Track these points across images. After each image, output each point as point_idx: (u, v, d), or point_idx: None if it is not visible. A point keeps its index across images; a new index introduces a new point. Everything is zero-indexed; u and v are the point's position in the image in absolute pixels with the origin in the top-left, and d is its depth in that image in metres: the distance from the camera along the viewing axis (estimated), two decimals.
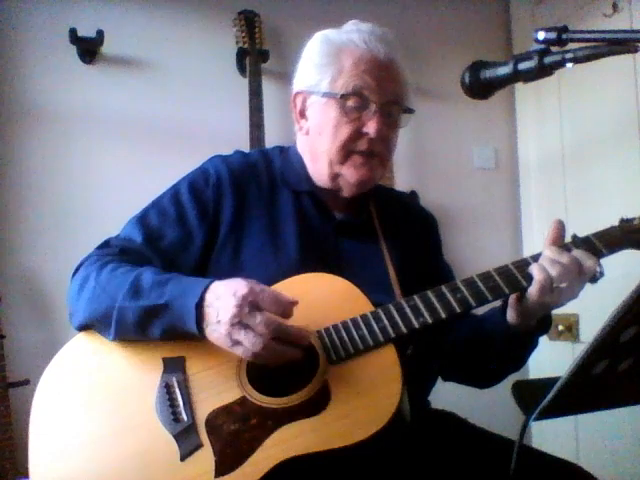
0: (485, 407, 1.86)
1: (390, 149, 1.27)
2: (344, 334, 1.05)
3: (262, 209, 1.25)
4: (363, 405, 0.99)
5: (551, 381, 0.87)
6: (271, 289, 1.02)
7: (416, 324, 1.06)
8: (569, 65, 0.86)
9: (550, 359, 2.35)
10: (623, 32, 0.84)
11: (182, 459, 0.98)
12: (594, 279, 1.08)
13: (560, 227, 1.13)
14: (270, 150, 1.38)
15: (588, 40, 0.86)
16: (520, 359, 1.21)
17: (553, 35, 0.87)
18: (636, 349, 0.87)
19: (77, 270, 1.18)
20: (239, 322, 0.97)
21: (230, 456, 0.97)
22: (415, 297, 1.09)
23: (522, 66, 0.91)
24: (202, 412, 1.02)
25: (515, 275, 1.09)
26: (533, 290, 1.06)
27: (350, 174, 1.23)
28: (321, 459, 0.97)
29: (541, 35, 0.88)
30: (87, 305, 1.10)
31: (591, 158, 2.44)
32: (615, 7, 2.27)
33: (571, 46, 0.87)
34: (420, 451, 1.12)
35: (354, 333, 1.05)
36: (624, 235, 1.14)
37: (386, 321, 1.06)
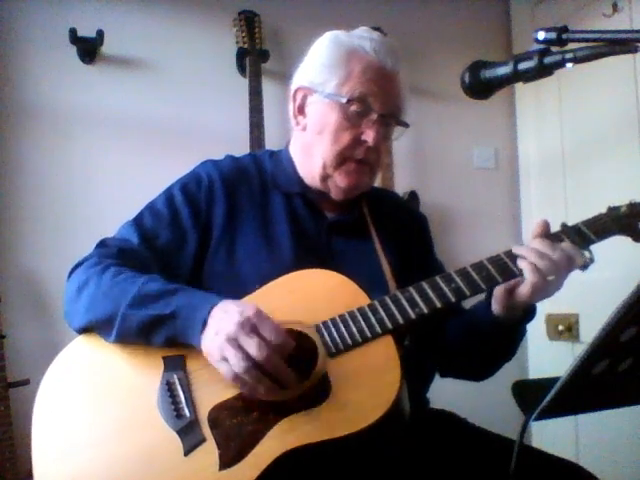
0: (485, 407, 1.86)
1: (381, 159, 1.31)
2: (342, 327, 1.06)
3: (254, 211, 1.27)
4: (364, 394, 1.00)
5: (551, 381, 0.87)
6: (276, 322, 1.00)
7: (412, 314, 1.07)
8: (569, 65, 0.86)
9: (550, 359, 2.35)
10: (623, 32, 0.84)
11: (186, 454, 0.99)
12: (585, 266, 1.10)
13: (545, 226, 1.14)
14: (260, 154, 1.40)
15: (588, 40, 0.86)
16: (509, 349, 1.23)
17: (553, 35, 0.87)
18: (636, 349, 0.87)
19: (74, 270, 1.18)
20: (235, 339, 0.96)
21: (233, 449, 0.98)
22: (410, 288, 1.11)
23: (522, 66, 0.91)
24: (204, 408, 1.02)
25: (507, 264, 1.11)
26: (525, 290, 1.08)
27: (341, 179, 1.25)
28: (322, 455, 0.97)
29: (541, 35, 0.88)
30: (88, 309, 1.11)
31: (591, 158, 2.44)
32: (615, 7, 2.27)
33: (571, 46, 0.87)
34: (420, 451, 1.12)
35: (352, 326, 1.06)
36: (612, 221, 1.17)
37: (382, 312, 1.07)
